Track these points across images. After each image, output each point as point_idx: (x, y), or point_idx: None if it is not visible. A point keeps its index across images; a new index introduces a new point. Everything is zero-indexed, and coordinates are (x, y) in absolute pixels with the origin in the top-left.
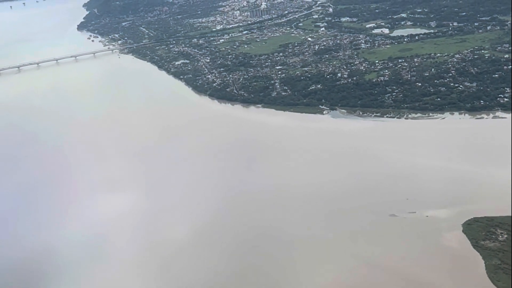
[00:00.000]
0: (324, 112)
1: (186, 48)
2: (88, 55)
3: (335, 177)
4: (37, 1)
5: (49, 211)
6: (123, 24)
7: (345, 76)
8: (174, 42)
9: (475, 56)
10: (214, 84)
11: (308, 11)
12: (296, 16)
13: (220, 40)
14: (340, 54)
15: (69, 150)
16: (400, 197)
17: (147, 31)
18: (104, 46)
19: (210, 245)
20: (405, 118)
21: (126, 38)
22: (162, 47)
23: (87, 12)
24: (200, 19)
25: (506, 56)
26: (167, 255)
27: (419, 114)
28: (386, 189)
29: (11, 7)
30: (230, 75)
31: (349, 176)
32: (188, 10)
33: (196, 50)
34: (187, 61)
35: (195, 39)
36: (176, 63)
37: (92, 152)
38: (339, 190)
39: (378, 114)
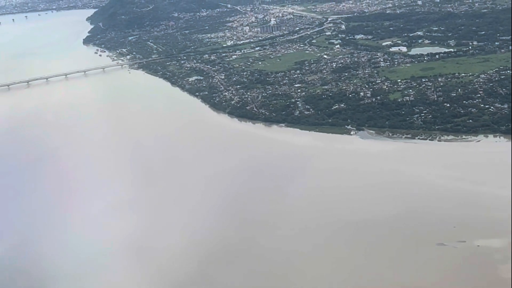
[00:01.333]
0: (352, 133)
1: (198, 64)
2: (97, 70)
3: (373, 202)
4: (39, 15)
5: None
6: (130, 38)
7: (368, 95)
8: (185, 57)
9: (502, 77)
10: (233, 102)
11: (320, 28)
12: (308, 33)
13: (233, 56)
14: (360, 72)
15: (86, 168)
16: (446, 225)
17: (155, 46)
18: (112, 61)
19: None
20: (438, 140)
21: (134, 53)
22: (173, 62)
23: (92, 26)
24: (209, 35)
25: None
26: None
27: (451, 136)
28: (429, 215)
29: (13, 20)
30: (248, 93)
31: (388, 201)
32: (195, 25)
33: (209, 66)
34: (201, 78)
35: (206, 55)
36: (190, 79)
37: (109, 171)
38: (378, 216)
39: (408, 136)
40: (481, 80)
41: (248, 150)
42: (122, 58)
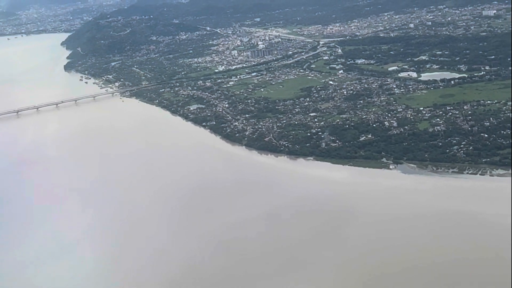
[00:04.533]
0: (391, 167)
1: (194, 91)
2: (88, 99)
3: (451, 250)
4: (8, 39)
5: None
6: (113, 64)
7: (394, 125)
8: (178, 84)
9: None
10: (247, 133)
11: (315, 52)
12: (304, 57)
13: (230, 83)
14: (376, 99)
15: (96, 212)
16: None
17: (142, 72)
18: (100, 88)
19: None
20: (490, 175)
21: (122, 79)
22: (167, 89)
23: (69, 51)
24: (196, 59)
25: None
26: None
27: (501, 170)
28: None
29: None
30: (260, 123)
31: (469, 249)
32: (178, 49)
33: (207, 93)
34: (203, 106)
35: (200, 81)
36: (191, 108)
37: (119, 216)
38: (462, 267)
39: (455, 170)
40: (510, 107)
41: (287, 187)
42: (110, 85)
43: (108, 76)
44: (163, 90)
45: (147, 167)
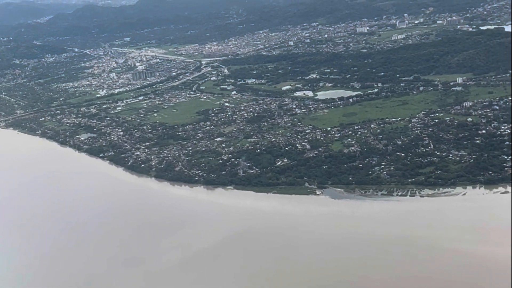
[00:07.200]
0: (318, 193)
1: (80, 118)
2: None
3: (400, 278)
4: None
5: None
6: None
7: (307, 147)
8: (58, 111)
9: (435, 120)
10: (153, 163)
11: (200, 72)
12: (190, 78)
13: (117, 108)
14: (279, 121)
15: None
16: None
17: (13, 100)
18: None
19: None
20: (420, 196)
21: None
22: (47, 118)
23: None
24: (71, 83)
25: (469, 119)
26: None
27: (429, 190)
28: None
29: None
30: (165, 151)
31: (415, 276)
32: (47, 73)
33: (95, 120)
34: (94, 135)
35: (84, 107)
36: (81, 138)
37: None
38: None
39: (384, 193)
40: (416, 125)
41: (215, 223)
42: None
43: None
44: (43, 118)
45: (45, 211)
